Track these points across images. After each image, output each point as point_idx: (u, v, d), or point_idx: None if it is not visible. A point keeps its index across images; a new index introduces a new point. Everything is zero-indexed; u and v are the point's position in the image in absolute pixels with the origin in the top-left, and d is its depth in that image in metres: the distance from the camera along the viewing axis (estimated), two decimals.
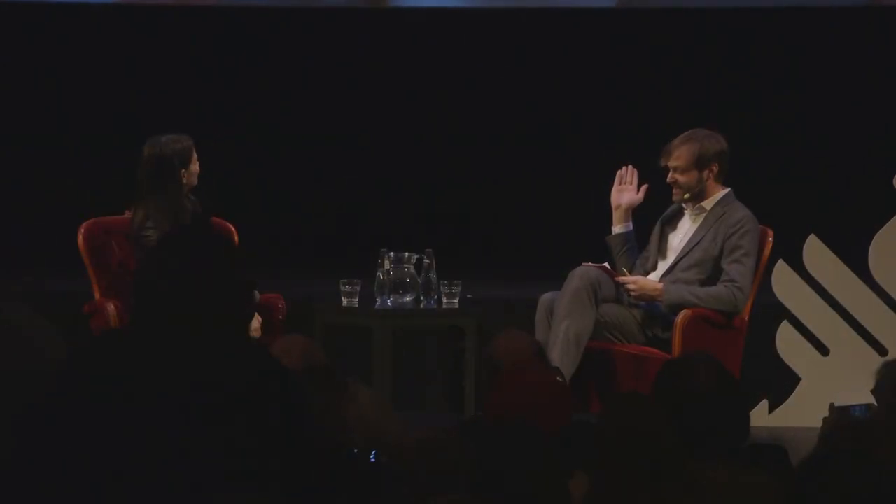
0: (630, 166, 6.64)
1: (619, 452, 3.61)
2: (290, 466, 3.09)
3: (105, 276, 6.87)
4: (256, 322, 6.58)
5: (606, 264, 6.51)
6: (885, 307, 7.05)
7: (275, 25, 8.81)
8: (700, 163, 6.50)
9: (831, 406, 4.74)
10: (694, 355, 5.54)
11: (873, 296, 7.06)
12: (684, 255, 6.56)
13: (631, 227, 6.65)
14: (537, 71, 8.67)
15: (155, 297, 3.15)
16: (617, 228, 6.68)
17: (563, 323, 6.34)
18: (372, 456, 4.33)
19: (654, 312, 6.50)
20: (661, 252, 6.67)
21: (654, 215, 6.81)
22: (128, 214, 6.89)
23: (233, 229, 6.85)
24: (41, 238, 7.64)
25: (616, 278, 6.48)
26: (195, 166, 6.64)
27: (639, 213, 6.82)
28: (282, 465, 3.05)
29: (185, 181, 6.61)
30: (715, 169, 6.52)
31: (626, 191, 6.64)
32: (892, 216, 7.01)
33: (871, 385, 4.81)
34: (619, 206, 6.64)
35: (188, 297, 3.13)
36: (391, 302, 6.58)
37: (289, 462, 3.10)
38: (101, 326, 6.72)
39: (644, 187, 6.62)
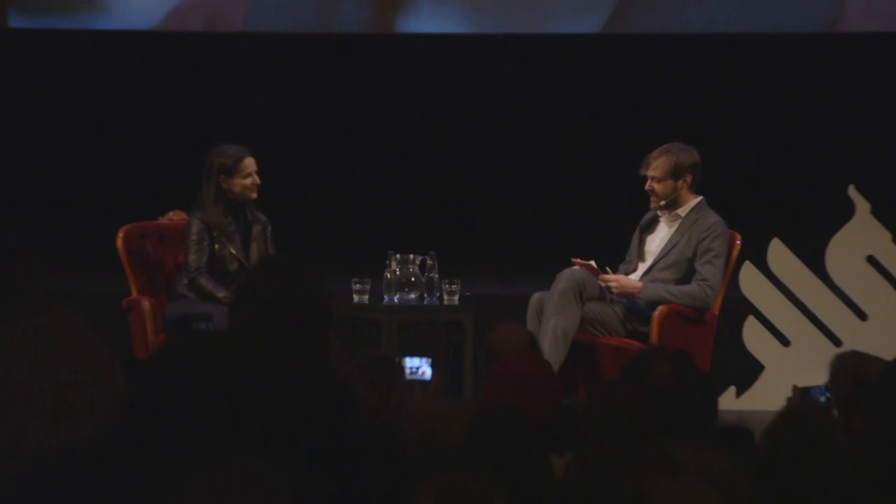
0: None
1: (603, 433, 3.67)
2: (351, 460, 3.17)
3: (141, 275, 6.91)
4: None
5: (593, 262, 6.56)
6: (841, 303, 7.13)
7: (293, 47, 8.82)
8: (675, 173, 6.56)
9: (794, 387, 4.82)
10: (657, 347, 5.73)
11: (830, 293, 7.14)
12: (661, 258, 6.61)
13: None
14: (531, 89, 8.70)
15: (248, 317, 3.29)
16: None
17: (551, 320, 6.41)
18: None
19: (634, 308, 6.55)
20: (641, 255, 6.71)
21: (633, 222, 6.87)
22: (161, 220, 7.05)
23: None
24: (82, 241, 7.65)
25: (600, 277, 6.54)
26: (244, 180, 6.65)
27: (619, 221, 6.93)
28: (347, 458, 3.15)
29: (224, 188, 6.68)
30: (689, 179, 6.57)
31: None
32: (847, 221, 7.11)
33: (827, 374, 4.90)
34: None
35: (278, 319, 3.25)
36: (398, 299, 6.63)
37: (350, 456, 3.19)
38: (137, 320, 6.77)
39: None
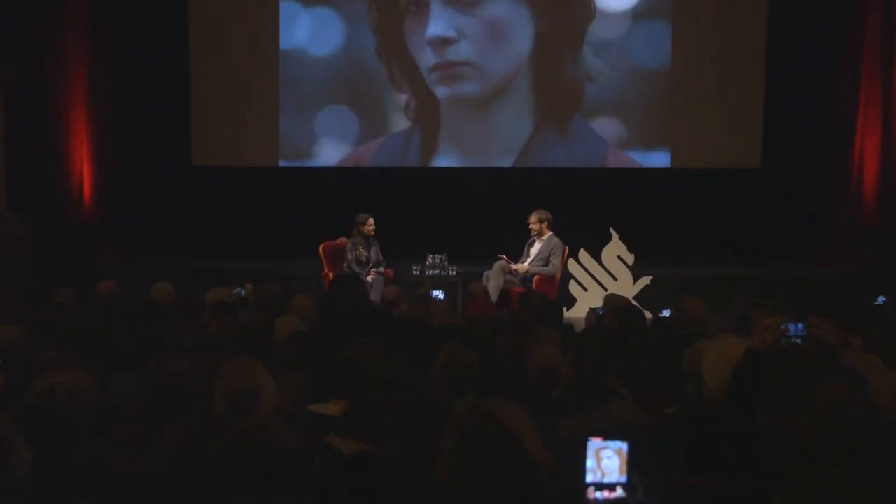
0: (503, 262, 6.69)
1: (512, 326, 3.84)
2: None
3: (329, 263, 7.03)
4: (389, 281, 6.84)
5: (506, 257, 6.67)
6: (607, 274, 7.13)
7: (387, 172, 8.59)
8: (541, 222, 6.73)
9: (589, 308, 4.99)
10: (531, 292, 5.92)
11: (603, 271, 7.15)
12: (536, 256, 6.72)
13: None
14: (486, 186, 8.47)
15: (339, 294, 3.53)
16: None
17: (491, 282, 6.56)
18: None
19: (526, 276, 6.66)
20: (528, 255, 6.81)
21: (524, 242, 6.88)
22: (336, 241, 7.09)
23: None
24: (302, 252, 7.49)
25: (511, 265, 6.67)
26: (368, 227, 6.84)
27: (520, 240, 6.92)
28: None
29: (360, 230, 6.83)
30: (546, 225, 6.74)
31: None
32: (608, 242, 7.15)
33: (602, 302, 5.02)
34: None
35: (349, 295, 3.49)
36: (430, 273, 6.75)
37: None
38: (326, 280, 6.84)
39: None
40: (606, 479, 1.77)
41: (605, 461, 1.77)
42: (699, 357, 2.64)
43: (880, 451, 1.74)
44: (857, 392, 1.99)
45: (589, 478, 1.77)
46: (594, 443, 1.77)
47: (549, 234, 6.75)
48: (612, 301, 4.82)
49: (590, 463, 1.77)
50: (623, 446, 1.78)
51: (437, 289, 5.57)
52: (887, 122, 7.71)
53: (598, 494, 1.76)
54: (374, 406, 2.11)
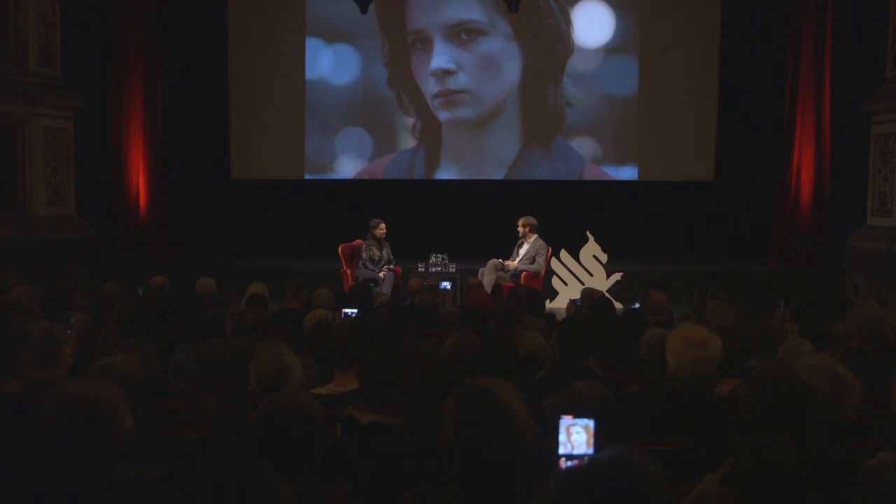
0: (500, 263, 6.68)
1: (500, 314, 3.79)
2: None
3: (347, 261, 6.96)
4: (393, 274, 6.76)
5: (500, 259, 6.65)
6: (584, 271, 7.08)
7: (396, 183, 8.52)
8: (528, 226, 6.69)
9: (569, 300, 4.91)
10: (520, 286, 5.86)
11: (581, 268, 7.10)
12: (525, 255, 6.69)
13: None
14: (480, 195, 8.41)
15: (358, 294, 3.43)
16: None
17: (485, 277, 6.51)
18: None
19: (515, 272, 6.63)
20: (517, 255, 6.77)
21: (513, 244, 6.84)
22: (353, 243, 7.02)
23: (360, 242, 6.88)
24: (324, 252, 7.46)
25: (504, 263, 6.64)
26: (381, 231, 6.75)
27: (510, 242, 6.86)
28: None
29: (373, 232, 6.76)
30: (532, 228, 6.69)
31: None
32: (585, 244, 7.08)
33: (580, 295, 4.99)
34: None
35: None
36: (433, 270, 6.71)
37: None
38: (345, 278, 6.81)
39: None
40: (576, 451, 1.74)
41: (575, 436, 1.74)
42: (657, 343, 2.56)
43: (812, 420, 1.75)
44: (792, 370, 1.98)
45: (561, 450, 1.74)
46: (565, 420, 1.73)
47: (534, 236, 6.72)
48: (589, 293, 4.78)
49: (561, 437, 1.74)
50: (590, 423, 1.74)
51: (444, 281, 5.58)
52: (819, 141, 7.78)
53: (569, 464, 1.71)
54: (387, 383, 2.09)
